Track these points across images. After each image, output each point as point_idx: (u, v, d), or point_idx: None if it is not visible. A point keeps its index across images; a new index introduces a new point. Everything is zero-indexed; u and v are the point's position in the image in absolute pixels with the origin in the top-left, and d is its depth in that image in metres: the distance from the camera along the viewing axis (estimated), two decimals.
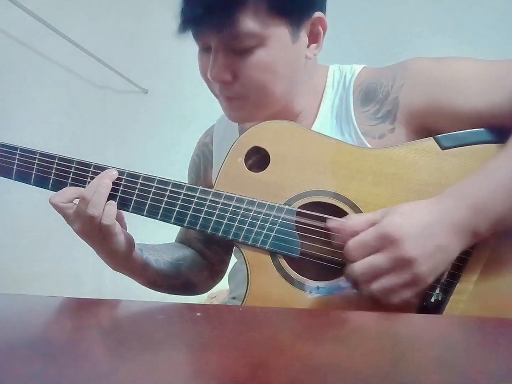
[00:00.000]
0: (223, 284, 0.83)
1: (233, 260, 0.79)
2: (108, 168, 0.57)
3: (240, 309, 0.48)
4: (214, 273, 0.80)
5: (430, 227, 0.46)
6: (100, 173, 0.57)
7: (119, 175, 0.57)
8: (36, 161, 0.59)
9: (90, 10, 1.98)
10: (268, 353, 0.29)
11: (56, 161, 0.58)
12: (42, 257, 1.64)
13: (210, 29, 0.55)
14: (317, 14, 0.58)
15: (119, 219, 0.58)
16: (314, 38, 0.60)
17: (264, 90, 0.58)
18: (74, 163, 0.58)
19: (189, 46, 0.60)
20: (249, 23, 0.53)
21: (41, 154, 0.59)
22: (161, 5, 2.04)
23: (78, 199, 0.55)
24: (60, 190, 0.56)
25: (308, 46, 0.60)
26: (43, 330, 0.37)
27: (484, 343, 0.33)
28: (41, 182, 0.59)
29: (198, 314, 0.40)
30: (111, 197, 0.55)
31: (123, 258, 0.60)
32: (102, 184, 0.55)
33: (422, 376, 0.25)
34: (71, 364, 0.27)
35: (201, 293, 0.79)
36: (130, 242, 0.59)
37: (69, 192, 0.56)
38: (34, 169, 0.59)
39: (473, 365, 0.27)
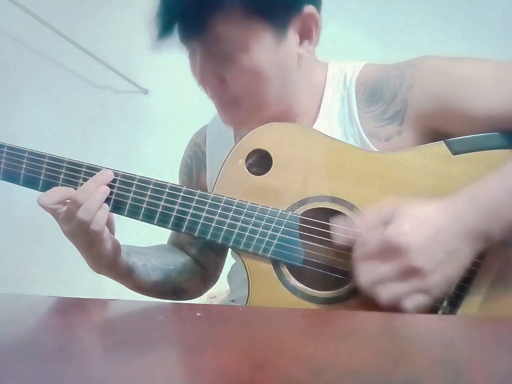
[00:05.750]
0: (223, 284, 0.81)
1: (231, 260, 0.78)
2: (102, 169, 0.55)
3: (240, 309, 0.48)
4: (207, 278, 0.77)
5: (440, 233, 0.44)
6: (93, 173, 0.54)
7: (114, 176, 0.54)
8: (25, 160, 0.55)
9: (90, 10, 1.98)
10: (268, 353, 0.29)
11: (46, 160, 0.55)
12: (41, 257, 1.64)
13: (188, 36, 0.53)
14: (307, 9, 0.54)
15: (109, 223, 0.56)
16: (306, 34, 0.56)
17: (254, 95, 0.56)
18: (65, 162, 0.55)
19: None
20: (225, 28, 0.51)
21: (31, 153, 0.56)
22: None
23: (69, 200, 0.52)
24: (49, 191, 0.53)
25: (301, 43, 0.57)
26: (42, 330, 0.37)
27: (484, 343, 0.33)
28: (31, 182, 0.56)
29: (198, 314, 0.40)
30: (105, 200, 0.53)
31: (108, 264, 0.58)
32: (100, 190, 0.52)
33: (422, 376, 0.25)
34: (71, 365, 0.27)
35: (192, 298, 0.76)
36: (116, 248, 0.58)
37: (59, 193, 0.53)
38: (23, 169, 0.55)
39: (473, 365, 0.27)
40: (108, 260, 0.57)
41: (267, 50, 0.54)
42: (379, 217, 0.47)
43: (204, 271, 0.76)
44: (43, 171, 0.55)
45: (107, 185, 0.54)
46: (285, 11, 0.54)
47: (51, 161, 0.55)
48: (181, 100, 2.05)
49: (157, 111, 2.09)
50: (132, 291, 0.71)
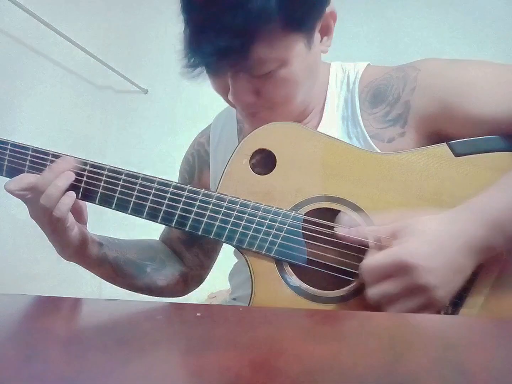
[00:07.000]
0: (223, 284, 0.81)
1: (233, 259, 0.79)
2: (70, 158, 0.55)
3: (240, 309, 0.48)
4: (189, 278, 0.76)
5: (445, 249, 0.45)
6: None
7: (89, 166, 0.55)
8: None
9: (90, 10, 1.98)
10: (268, 353, 0.29)
11: (9, 147, 0.56)
12: (42, 257, 1.64)
13: (227, 65, 0.52)
14: (328, 9, 0.55)
15: (78, 211, 0.56)
16: (325, 31, 0.58)
17: (288, 101, 0.57)
18: (30, 150, 0.56)
19: None
20: (265, 51, 0.50)
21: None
22: (161, 5, 2.04)
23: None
24: (16, 177, 0.54)
25: (321, 41, 0.58)
26: (42, 330, 0.37)
27: (484, 343, 0.33)
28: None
29: (198, 314, 0.40)
30: (74, 188, 0.54)
31: (75, 252, 0.58)
32: (62, 177, 0.53)
33: (422, 376, 0.25)
34: (71, 365, 0.27)
35: (174, 297, 0.75)
36: (83, 237, 0.58)
37: (26, 179, 0.54)
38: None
39: (473, 365, 0.27)
40: (74, 248, 0.57)
41: (301, 59, 0.54)
42: (386, 231, 0.48)
43: (187, 270, 0.76)
44: (7, 157, 0.56)
45: (78, 173, 0.54)
46: (315, 19, 0.54)
47: (15, 149, 0.56)
48: (181, 100, 2.05)
49: (157, 111, 2.09)
50: (131, 291, 0.71)
